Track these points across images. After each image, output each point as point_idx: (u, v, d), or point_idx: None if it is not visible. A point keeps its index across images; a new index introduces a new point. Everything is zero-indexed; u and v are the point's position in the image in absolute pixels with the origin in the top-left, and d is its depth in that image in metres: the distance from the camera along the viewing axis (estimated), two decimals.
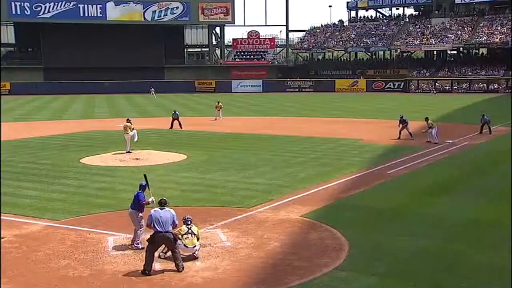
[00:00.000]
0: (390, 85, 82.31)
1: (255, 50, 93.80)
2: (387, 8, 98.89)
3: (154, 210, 11.13)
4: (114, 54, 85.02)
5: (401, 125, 30.26)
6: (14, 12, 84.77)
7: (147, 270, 10.72)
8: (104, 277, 10.60)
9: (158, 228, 10.88)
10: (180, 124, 36.84)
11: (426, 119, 29.14)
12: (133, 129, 25.98)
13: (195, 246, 11.46)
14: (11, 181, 19.46)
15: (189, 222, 11.61)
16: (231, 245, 12.44)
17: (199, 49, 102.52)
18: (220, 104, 43.87)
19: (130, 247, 12.18)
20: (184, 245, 11.32)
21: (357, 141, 29.77)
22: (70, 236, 13.05)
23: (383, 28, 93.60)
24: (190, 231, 11.50)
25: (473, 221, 14.33)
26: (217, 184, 18.83)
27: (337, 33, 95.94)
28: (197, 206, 15.91)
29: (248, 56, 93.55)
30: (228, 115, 48.43)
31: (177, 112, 37.75)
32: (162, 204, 11.26)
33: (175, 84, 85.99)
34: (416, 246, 12.33)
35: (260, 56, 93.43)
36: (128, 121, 26.40)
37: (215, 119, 42.51)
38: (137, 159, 24.30)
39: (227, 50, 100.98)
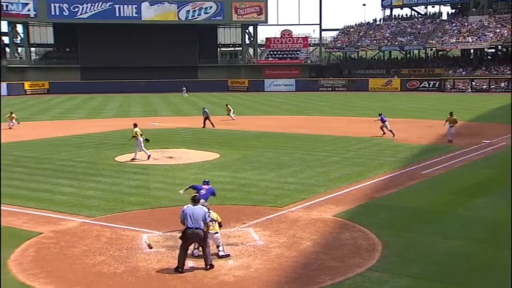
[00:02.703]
0: (425, 84, 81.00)
1: (288, 49, 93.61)
2: (423, 6, 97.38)
3: (187, 206, 11.21)
4: (148, 53, 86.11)
5: (380, 123, 30.94)
6: (53, 13, 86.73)
7: (180, 267, 10.82)
8: (138, 273, 10.74)
9: (189, 224, 10.98)
10: (212, 123, 37.03)
11: (451, 114, 28.72)
12: (141, 134, 24.32)
13: (217, 233, 11.49)
14: (50, 178, 19.92)
15: (206, 210, 11.78)
16: (263, 244, 12.44)
17: (232, 48, 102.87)
18: (228, 106, 43.71)
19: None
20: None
21: (391, 140, 29.41)
22: (105, 233, 13.26)
23: (418, 26, 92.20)
24: (209, 218, 11.59)
25: (509, 222, 13.97)
26: (250, 183, 18.86)
27: (371, 32, 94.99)
28: (230, 204, 15.97)
29: (281, 55, 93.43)
30: (260, 114, 48.53)
31: (206, 110, 37.91)
32: (195, 201, 11.33)
33: (208, 83, 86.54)
34: (450, 247, 12.11)
35: (293, 55, 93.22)
36: (135, 125, 24.67)
37: (232, 119, 42.16)
38: (170, 157, 24.53)
39: (260, 49, 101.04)
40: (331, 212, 15.04)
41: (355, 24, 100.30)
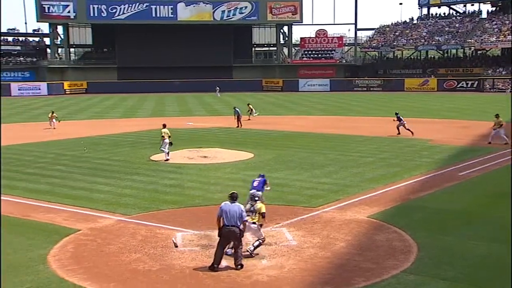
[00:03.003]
0: (462, 84, 79.32)
1: (323, 48, 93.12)
2: (461, 5, 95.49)
3: (225, 203, 11.22)
4: (184, 53, 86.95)
5: (397, 122, 31.62)
6: (92, 15, 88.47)
7: (215, 265, 10.89)
8: (172, 271, 10.85)
9: (225, 221, 11.01)
10: (240, 123, 36.97)
11: (497, 116, 27.96)
12: (169, 136, 24.18)
13: (254, 223, 11.59)
14: (87, 176, 20.33)
15: (256, 198, 12.02)
16: (296, 244, 12.42)
17: (267, 48, 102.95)
18: (250, 106, 43.47)
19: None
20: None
21: (427, 141, 28.95)
22: (140, 231, 13.45)
23: (457, 25, 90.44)
24: (252, 208, 11.73)
25: None
26: (283, 183, 18.84)
27: (407, 31, 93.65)
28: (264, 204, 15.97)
29: (315, 55, 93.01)
30: (294, 114, 48.43)
31: (237, 109, 37.98)
32: (233, 198, 11.30)
33: (243, 83, 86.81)
34: (487, 250, 11.86)
35: (327, 55, 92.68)
36: (164, 126, 24.66)
37: (249, 119, 41.97)
38: (205, 157, 24.71)
39: (295, 49, 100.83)
40: (366, 213, 14.91)
41: (391, 24, 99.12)
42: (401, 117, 31.63)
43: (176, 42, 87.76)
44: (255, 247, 11.66)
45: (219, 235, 11.07)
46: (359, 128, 35.59)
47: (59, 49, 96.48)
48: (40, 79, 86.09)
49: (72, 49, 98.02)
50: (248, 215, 11.51)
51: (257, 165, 22.63)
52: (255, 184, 14.03)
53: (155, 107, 58.96)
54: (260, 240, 11.73)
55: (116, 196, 17.09)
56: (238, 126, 36.99)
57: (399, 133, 31.27)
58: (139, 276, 10.62)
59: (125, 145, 29.08)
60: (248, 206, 11.84)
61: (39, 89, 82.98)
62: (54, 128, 36.32)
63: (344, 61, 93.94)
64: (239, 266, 10.92)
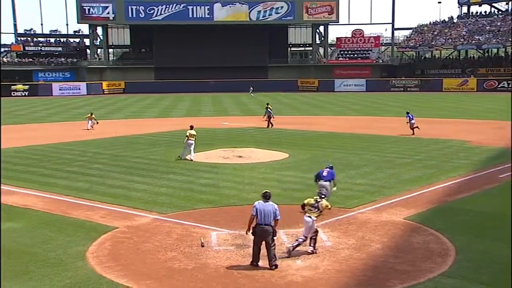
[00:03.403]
0: (503, 84, 77.29)
1: (359, 48, 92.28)
2: (504, 3, 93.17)
3: (258, 202, 11.26)
4: (219, 53, 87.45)
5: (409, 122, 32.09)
6: (130, 16, 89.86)
7: (255, 261, 10.99)
8: (207, 270, 10.93)
9: (259, 220, 11.05)
10: (271, 123, 36.69)
11: None
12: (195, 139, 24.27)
13: (309, 217, 11.76)
14: (125, 175, 20.66)
15: (322, 196, 12.17)
16: (331, 245, 12.34)
17: (302, 48, 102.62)
18: (269, 106, 42.91)
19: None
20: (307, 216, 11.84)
21: (466, 142, 28.37)
22: (176, 230, 13.59)
23: (498, 23, 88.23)
24: (316, 204, 11.87)
25: None
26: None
27: (446, 30, 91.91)
28: (298, 204, 15.86)
29: (352, 55, 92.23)
30: (330, 114, 48.14)
31: (269, 109, 37.62)
32: (266, 197, 11.34)
33: (278, 83, 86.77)
34: None
35: (364, 55, 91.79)
36: (191, 127, 24.84)
37: (265, 119, 41.57)
38: (240, 156, 24.79)
39: (331, 49, 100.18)
40: (402, 215, 14.71)
41: (430, 23, 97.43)
42: (411, 116, 32.25)
43: (212, 42, 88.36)
44: (314, 244, 11.85)
45: (252, 234, 11.14)
46: (395, 129, 35.13)
47: (99, 50, 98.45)
48: (80, 79, 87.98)
49: (110, 50, 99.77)
50: (310, 210, 11.86)
51: (292, 165, 22.58)
52: (324, 173, 15.09)
53: (190, 107, 59.49)
54: (314, 238, 11.86)
55: (152, 195, 17.31)
56: (268, 127, 36.69)
57: (413, 133, 31.65)
58: (175, 274, 10.73)
59: (161, 144, 29.43)
60: (312, 200, 12.04)
61: (79, 89, 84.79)
62: (91, 127, 36.68)
63: (381, 61, 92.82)
64: (274, 267, 10.92)
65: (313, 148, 27.35)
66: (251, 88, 76.56)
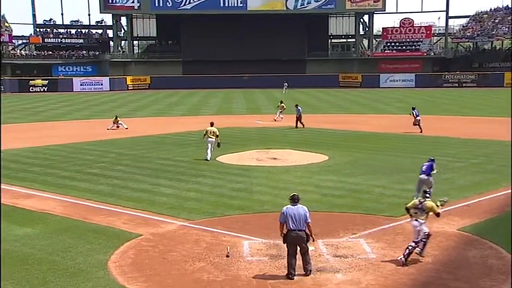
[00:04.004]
0: None
1: (408, 40, 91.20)
2: None
3: (286, 207, 11.29)
4: (253, 46, 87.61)
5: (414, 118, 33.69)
6: (156, 5, 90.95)
7: (290, 273, 10.98)
8: (239, 283, 10.93)
9: (291, 226, 11.06)
10: (301, 123, 36.39)
11: None
12: (217, 136, 24.69)
13: (417, 220, 11.86)
14: (149, 178, 20.87)
15: (427, 196, 12.16)
16: (376, 258, 12.20)
17: (345, 40, 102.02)
18: (282, 104, 42.48)
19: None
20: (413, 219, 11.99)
21: None
22: (205, 238, 13.65)
23: None
24: (421, 206, 11.92)
25: None
26: (361, 189, 18.61)
27: (509, 18, 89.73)
28: (338, 212, 15.84)
29: (399, 47, 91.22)
30: (374, 112, 47.71)
31: (299, 108, 37.16)
32: (294, 200, 11.35)
33: (317, 79, 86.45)
34: None
35: (413, 47, 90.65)
36: (212, 124, 25.20)
37: (275, 120, 41.25)
38: (274, 158, 24.77)
39: (376, 40, 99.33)
40: (456, 225, 14.45)
41: (490, 9, 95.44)
42: (417, 112, 33.81)
43: (245, 33, 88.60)
44: (423, 248, 11.93)
45: (284, 242, 11.18)
46: (447, 129, 34.58)
47: (122, 42, 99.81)
48: (102, 74, 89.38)
49: (135, 42, 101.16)
50: (415, 213, 11.96)
51: (331, 168, 22.46)
52: (424, 168, 16.22)
53: (221, 104, 59.77)
54: (424, 240, 11.91)
55: (179, 200, 17.43)
56: (296, 127, 36.36)
57: (421, 131, 33.06)
58: (203, 286, 10.77)
59: (189, 144, 29.64)
60: (416, 201, 12.15)
61: (101, 84, 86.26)
62: (116, 128, 36.91)
63: (433, 54, 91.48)
64: (309, 272, 11.04)
65: (355, 149, 27.14)
66: (286, 83, 76.24)
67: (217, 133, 24.77)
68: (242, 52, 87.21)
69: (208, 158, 24.41)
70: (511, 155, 23.74)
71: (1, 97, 59.88)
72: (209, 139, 24.59)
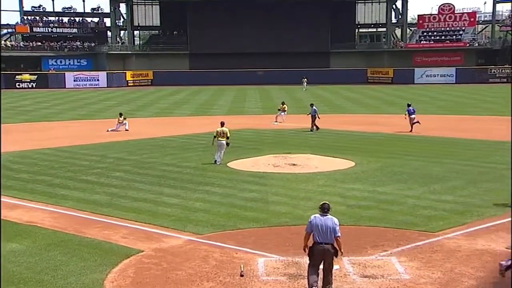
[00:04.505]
0: None
1: (448, 29, 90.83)
2: None
3: (315, 216, 11.26)
4: (269, 37, 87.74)
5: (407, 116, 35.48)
6: None
7: None
8: None
9: (317, 238, 11.04)
10: (315, 125, 36.14)
11: None
12: (227, 137, 24.96)
13: None
14: (151, 186, 20.95)
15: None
16: (410, 279, 12.15)
17: (374, 30, 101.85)
18: (284, 105, 42.39)
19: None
20: None
21: None
22: (214, 254, 13.67)
23: None
24: None
25: None
26: (393, 200, 18.55)
27: None
28: (367, 226, 15.79)
29: (438, 37, 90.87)
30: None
31: (315, 108, 36.89)
32: (324, 209, 11.29)
33: (342, 74, 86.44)
34: None
35: (454, 37, 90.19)
36: (222, 124, 25.39)
37: (274, 122, 41.22)
38: (294, 164, 24.77)
39: (410, 29, 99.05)
40: (504, 243, 14.33)
41: None
42: (412, 109, 35.53)
43: (261, 22, 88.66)
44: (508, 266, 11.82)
45: (309, 254, 11.16)
46: (494, 132, 34.33)
47: (122, 32, 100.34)
48: (99, 68, 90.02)
49: (136, 32, 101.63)
50: None
51: (359, 175, 22.43)
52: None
53: (233, 102, 59.86)
54: None
55: (185, 211, 17.48)
56: (311, 129, 36.15)
57: (411, 130, 34.81)
58: None
59: (197, 148, 29.73)
60: None
61: (98, 80, 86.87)
62: (120, 127, 37.01)
63: (477, 44, 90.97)
64: None
65: (385, 154, 27.10)
66: (305, 79, 76.08)
67: (228, 135, 24.92)
68: (257, 44, 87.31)
69: (217, 161, 24.67)
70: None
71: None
72: (219, 141, 24.82)
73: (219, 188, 20.57)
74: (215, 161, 24.85)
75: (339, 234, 11.12)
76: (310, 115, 36.78)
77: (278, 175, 22.69)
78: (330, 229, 11.04)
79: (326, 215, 11.21)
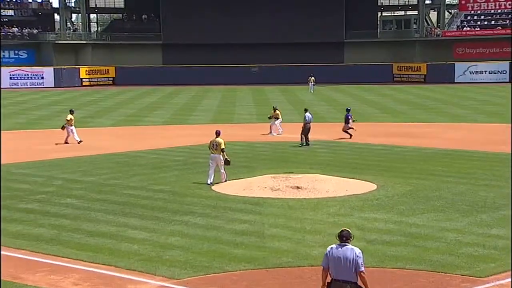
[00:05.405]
0: None
1: (497, 11, 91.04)
2: None
3: (331, 247, 11.17)
4: (267, 24, 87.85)
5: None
6: None
7: None
8: None
9: (334, 275, 11.00)
10: (302, 136, 35.71)
11: None
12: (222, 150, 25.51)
13: None
14: (112, 216, 20.87)
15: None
16: None
17: (402, 13, 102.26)
18: (277, 112, 42.25)
19: None
20: None
21: None
22: None
23: None
24: None
25: None
26: (426, 234, 18.53)
27: None
28: (393, 267, 15.76)
29: (484, 23, 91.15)
30: (446, 121, 47.51)
31: (308, 114, 36.41)
32: (342, 238, 11.17)
33: (360, 70, 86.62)
34: None
35: (506, 23, 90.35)
36: (217, 134, 25.98)
37: (269, 133, 41.51)
38: (298, 187, 24.70)
39: (449, 13, 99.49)
40: None
41: None
42: (349, 115, 38.56)
43: (255, 5, 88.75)
44: None
45: None
46: None
47: (73, 16, 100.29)
48: (44, 63, 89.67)
49: (93, 16, 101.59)
50: None
51: (381, 202, 22.40)
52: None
53: (219, 107, 59.81)
54: None
55: (157, 248, 17.43)
56: (301, 141, 35.74)
57: (350, 137, 38.05)
58: None
59: (172, 166, 29.71)
60: None
61: (42, 77, 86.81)
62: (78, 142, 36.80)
63: None
64: None
65: (416, 175, 27.10)
66: (312, 77, 76.03)
67: (222, 146, 25.11)
68: (250, 32, 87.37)
69: (209, 182, 24.94)
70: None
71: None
72: (211, 155, 25.08)
73: (201, 218, 20.53)
74: (209, 182, 25.10)
75: (362, 269, 11.00)
76: (304, 124, 36.32)
77: (278, 202, 22.65)
78: (350, 262, 10.94)
79: (346, 245, 11.11)
